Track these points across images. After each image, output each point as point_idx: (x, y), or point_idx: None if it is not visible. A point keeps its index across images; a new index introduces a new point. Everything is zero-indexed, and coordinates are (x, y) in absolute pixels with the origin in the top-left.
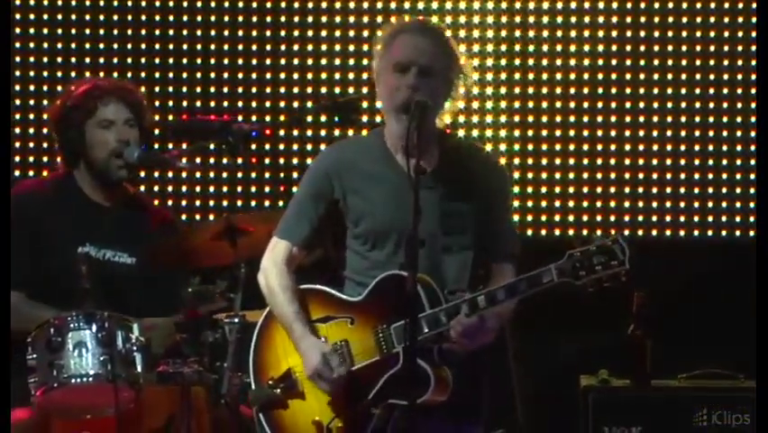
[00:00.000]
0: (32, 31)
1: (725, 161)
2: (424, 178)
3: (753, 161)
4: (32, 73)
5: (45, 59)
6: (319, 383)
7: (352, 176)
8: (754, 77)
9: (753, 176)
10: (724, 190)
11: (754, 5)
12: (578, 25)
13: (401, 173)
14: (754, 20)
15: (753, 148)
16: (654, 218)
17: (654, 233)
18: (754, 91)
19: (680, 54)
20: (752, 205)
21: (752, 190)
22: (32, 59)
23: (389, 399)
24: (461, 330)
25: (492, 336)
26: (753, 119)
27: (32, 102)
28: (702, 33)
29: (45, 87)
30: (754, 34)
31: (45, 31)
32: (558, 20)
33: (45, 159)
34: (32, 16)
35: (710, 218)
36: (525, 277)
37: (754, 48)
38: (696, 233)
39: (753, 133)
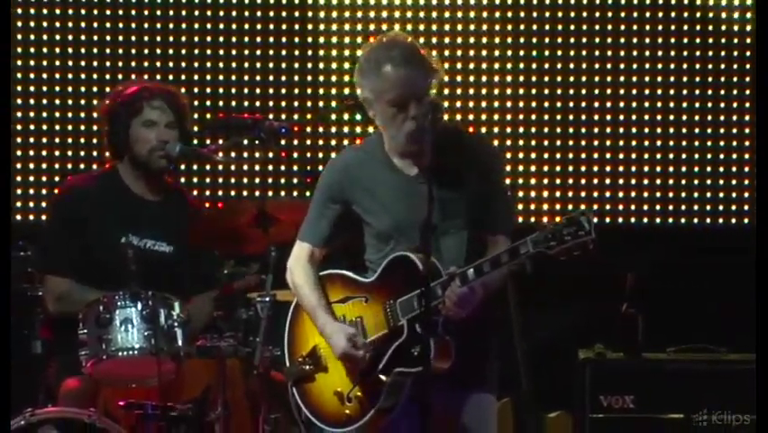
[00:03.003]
0: (83, 37)
1: (709, 156)
2: (419, 175)
3: (731, 155)
4: (83, 75)
5: (95, 63)
6: (347, 363)
7: (358, 181)
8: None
9: (734, 168)
10: (708, 181)
11: None
12: (566, 20)
13: (400, 175)
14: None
15: (747, 144)
16: (645, 207)
17: (645, 220)
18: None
19: (676, 44)
20: (729, 194)
21: (734, 181)
22: (82, 62)
23: (397, 367)
24: (456, 299)
25: (478, 303)
26: (748, 117)
27: (82, 102)
28: (699, 19)
29: (95, 89)
30: (750, 16)
31: (95, 37)
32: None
33: (94, 153)
34: (83, 24)
35: (696, 207)
36: (505, 250)
37: (751, 38)
38: (683, 220)
39: (747, 130)
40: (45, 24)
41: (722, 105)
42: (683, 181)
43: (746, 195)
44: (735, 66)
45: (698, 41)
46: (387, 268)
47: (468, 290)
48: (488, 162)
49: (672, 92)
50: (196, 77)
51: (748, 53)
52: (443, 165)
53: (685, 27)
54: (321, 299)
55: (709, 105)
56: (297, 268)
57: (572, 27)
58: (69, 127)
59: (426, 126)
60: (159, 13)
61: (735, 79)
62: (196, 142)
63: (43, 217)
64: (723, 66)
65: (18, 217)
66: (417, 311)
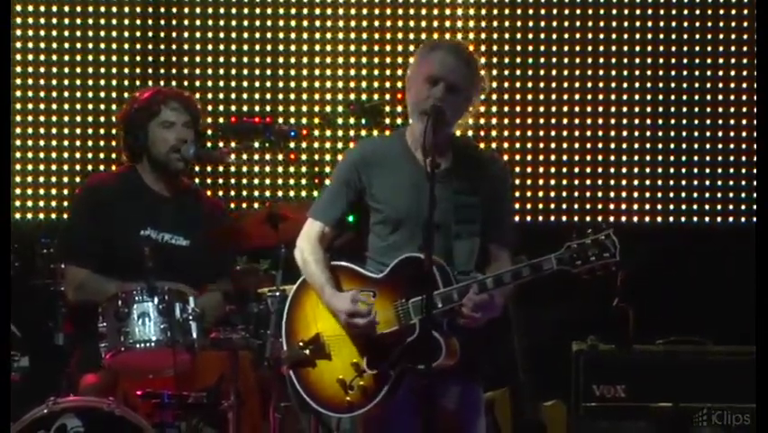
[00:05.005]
0: (102, 45)
1: (696, 158)
2: (439, 174)
3: (729, 157)
4: (102, 82)
5: (114, 69)
6: (356, 322)
7: (377, 168)
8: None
9: (720, 170)
10: (695, 183)
11: None
12: (571, 18)
13: (419, 168)
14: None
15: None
16: (636, 206)
17: (636, 219)
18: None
19: (676, 43)
20: (718, 194)
21: (720, 182)
22: (101, 69)
23: (405, 363)
24: (473, 306)
25: (499, 310)
26: (747, 120)
27: (102, 106)
28: (704, 23)
29: (114, 94)
30: (749, 14)
31: (113, 45)
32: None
33: (113, 155)
34: (102, 32)
35: (683, 206)
36: (528, 264)
37: (751, 37)
38: (671, 219)
39: (744, 133)
40: (66, 33)
41: (722, 104)
42: (671, 182)
43: (731, 195)
44: (734, 63)
45: (698, 39)
46: (397, 267)
47: (487, 297)
48: (502, 178)
49: (670, 91)
50: (209, 83)
51: (747, 52)
52: (462, 171)
53: (686, 25)
54: (330, 277)
55: (709, 104)
56: (306, 245)
57: (571, 25)
58: (90, 131)
59: (446, 114)
60: (174, 21)
61: (735, 79)
62: (209, 144)
63: (65, 216)
64: (723, 64)
65: (41, 216)
66: (432, 312)
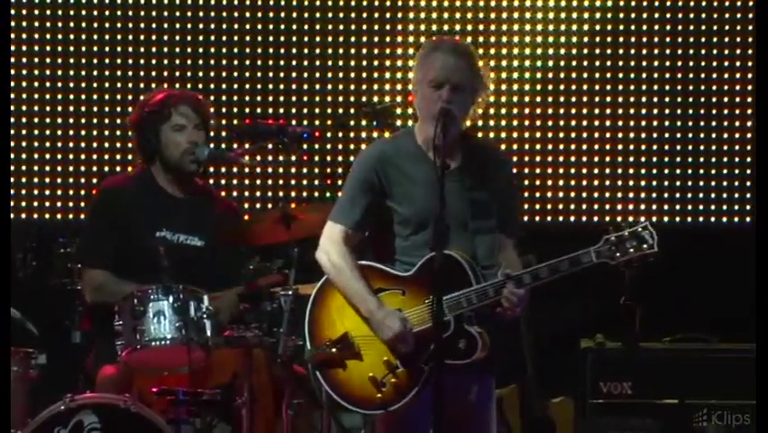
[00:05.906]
0: (119, 48)
1: (701, 158)
2: (452, 172)
3: (733, 157)
4: (119, 84)
5: (130, 72)
6: (398, 345)
7: (393, 169)
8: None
9: (735, 169)
10: (701, 183)
11: None
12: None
13: (433, 168)
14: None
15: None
16: (643, 206)
17: (642, 219)
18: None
19: (676, 42)
20: (722, 194)
21: (725, 183)
22: (118, 71)
23: (440, 359)
24: (517, 300)
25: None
26: (749, 122)
27: (118, 108)
28: (704, 25)
29: (130, 97)
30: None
31: (130, 48)
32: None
33: (129, 156)
34: (119, 36)
35: (690, 206)
36: (567, 258)
37: (752, 36)
38: (678, 219)
39: (749, 135)
40: (84, 36)
41: (722, 105)
42: (678, 182)
43: (731, 195)
44: (735, 65)
45: (698, 41)
46: (425, 264)
47: (525, 292)
48: (508, 169)
49: (672, 92)
50: (223, 85)
51: (747, 53)
52: (473, 168)
53: (690, 27)
54: (367, 285)
55: (710, 105)
56: (332, 248)
57: (579, 29)
58: (106, 132)
59: (455, 115)
60: (188, 25)
61: (739, 81)
62: (223, 146)
63: (82, 217)
64: (725, 66)
65: (59, 216)
66: (466, 308)
